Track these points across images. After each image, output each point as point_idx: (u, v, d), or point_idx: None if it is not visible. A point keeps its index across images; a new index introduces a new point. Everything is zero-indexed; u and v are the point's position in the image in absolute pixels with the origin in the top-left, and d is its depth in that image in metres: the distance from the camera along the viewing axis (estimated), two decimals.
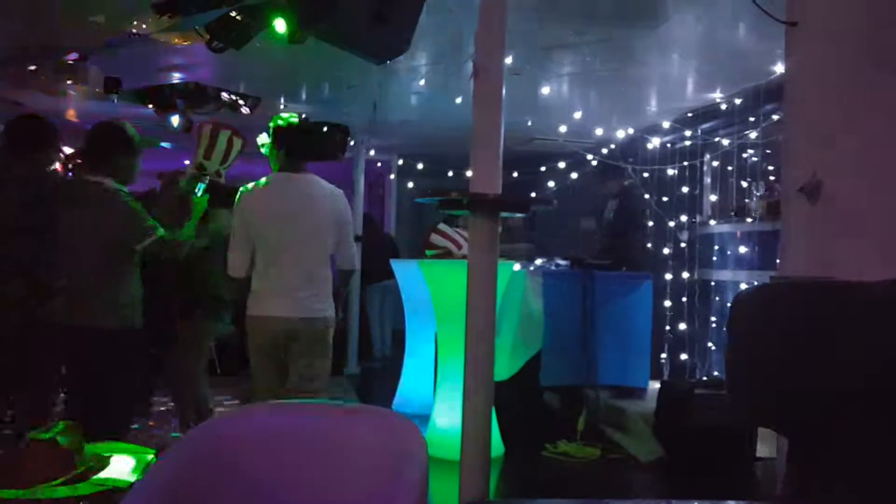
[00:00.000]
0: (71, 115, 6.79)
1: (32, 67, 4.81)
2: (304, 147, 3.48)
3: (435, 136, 7.36)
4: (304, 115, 3.54)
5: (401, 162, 8.84)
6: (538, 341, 4.77)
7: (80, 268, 3.07)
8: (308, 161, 3.47)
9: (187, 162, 3.85)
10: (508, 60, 2.89)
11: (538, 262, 5.66)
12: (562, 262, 5.49)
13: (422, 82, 5.58)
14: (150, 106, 5.96)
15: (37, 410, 3.32)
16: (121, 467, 2.14)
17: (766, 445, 4.38)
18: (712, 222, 6.26)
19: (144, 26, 3.91)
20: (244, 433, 1.80)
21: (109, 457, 2.24)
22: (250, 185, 3.41)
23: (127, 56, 4.73)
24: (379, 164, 9.14)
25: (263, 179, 3.41)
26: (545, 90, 5.49)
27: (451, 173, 7.76)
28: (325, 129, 6.39)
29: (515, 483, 4.23)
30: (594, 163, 6.72)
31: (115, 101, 5.55)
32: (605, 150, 6.79)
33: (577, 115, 6.23)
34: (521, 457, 4.52)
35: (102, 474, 2.11)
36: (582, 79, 5.37)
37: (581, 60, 4.77)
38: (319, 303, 3.33)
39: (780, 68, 4.44)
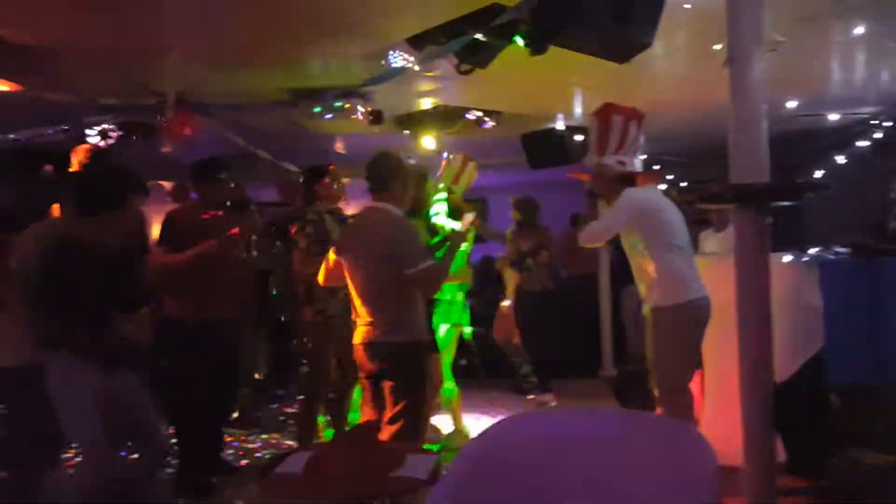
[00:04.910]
0: (339, 147, 7.52)
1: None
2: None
3: (682, 129, 7.04)
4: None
5: (644, 157, 8.51)
6: (818, 338, 4.35)
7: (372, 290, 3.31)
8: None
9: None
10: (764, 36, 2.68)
11: (812, 251, 5.14)
12: (841, 251, 4.95)
13: (667, 73, 5.37)
14: (407, 132, 6.41)
15: None
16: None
17: None
18: None
19: (407, 59, 4.17)
20: (529, 437, 1.85)
21: None
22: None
23: (382, 88, 5.14)
24: None
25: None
26: (807, 62, 5.00)
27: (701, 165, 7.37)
28: (564, 135, 6.44)
29: (800, 490, 3.89)
30: (877, 135, 5.97)
31: (377, 131, 6.05)
32: (888, 121, 6.00)
33: (846, 84, 5.59)
34: (805, 462, 4.15)
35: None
36: (848, 45, 4.80)
37: (846, 26, 4.28)
38: None
39: None
